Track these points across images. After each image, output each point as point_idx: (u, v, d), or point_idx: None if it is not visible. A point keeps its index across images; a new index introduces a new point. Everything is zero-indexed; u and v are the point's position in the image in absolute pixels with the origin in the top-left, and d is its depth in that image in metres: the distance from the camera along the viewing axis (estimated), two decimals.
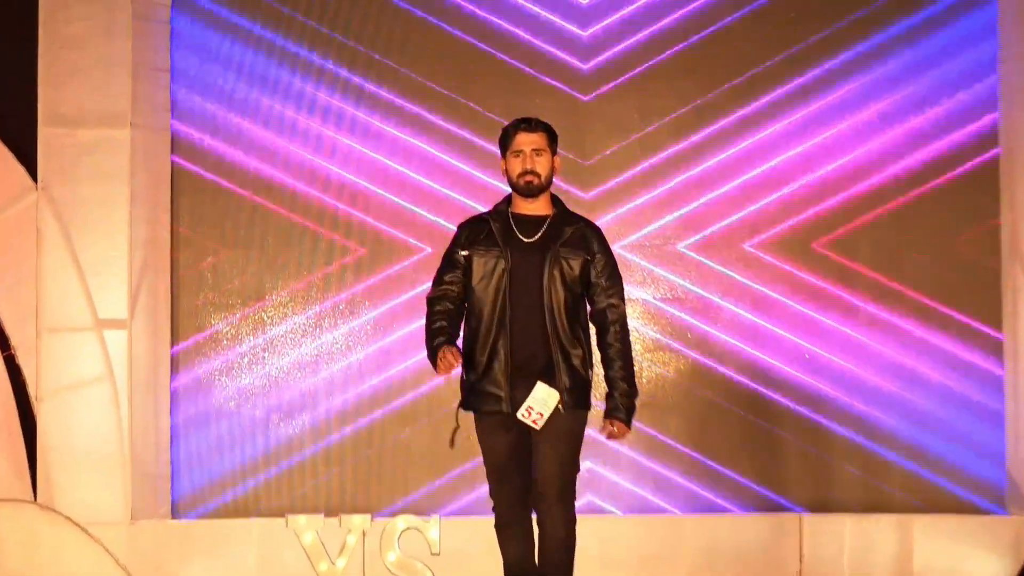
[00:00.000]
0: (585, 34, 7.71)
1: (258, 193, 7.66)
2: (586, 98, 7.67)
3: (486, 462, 5.50)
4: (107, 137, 7.30)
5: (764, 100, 7.65)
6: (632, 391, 5.46)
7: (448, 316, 5.45)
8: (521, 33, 7.64)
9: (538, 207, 5.47)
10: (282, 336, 7.63)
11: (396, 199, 7.70)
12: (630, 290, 7.19)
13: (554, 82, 7.69)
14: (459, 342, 5.52)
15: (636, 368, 6.91)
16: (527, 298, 5.35)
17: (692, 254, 7.65)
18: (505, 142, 5.48)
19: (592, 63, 7.70)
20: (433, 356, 5.38)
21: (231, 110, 7.58)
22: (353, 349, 7.66)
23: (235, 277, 7.65)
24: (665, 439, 7.61)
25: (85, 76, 7.32)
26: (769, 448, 7.55)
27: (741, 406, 7.58)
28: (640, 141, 7.61)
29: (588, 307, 5.49)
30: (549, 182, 5.47)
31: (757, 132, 7.61)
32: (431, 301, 5.48)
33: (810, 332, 7.56)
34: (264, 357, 7.64)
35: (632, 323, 7.44)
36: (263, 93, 7.60)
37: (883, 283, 7.59)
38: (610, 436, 5.43)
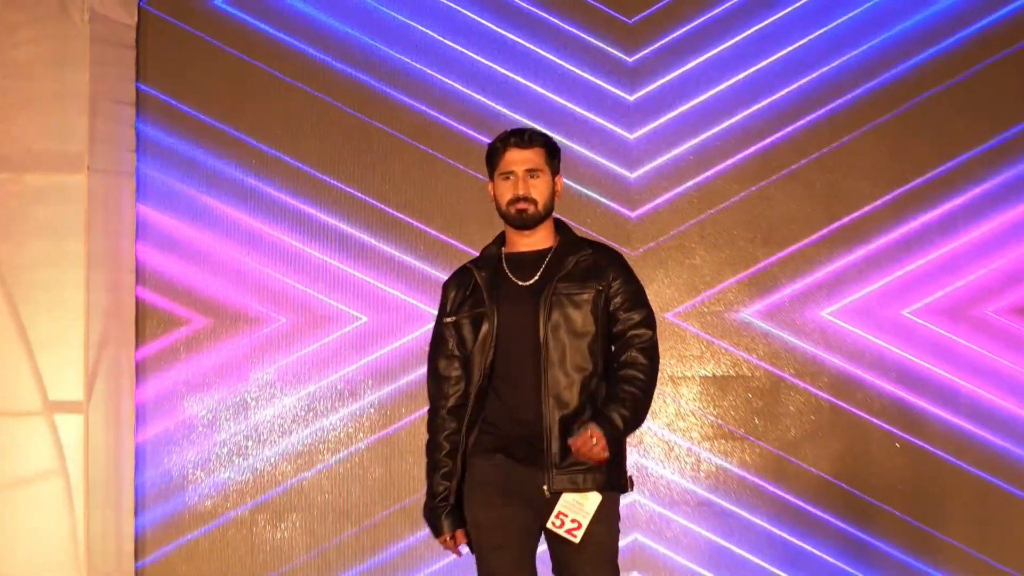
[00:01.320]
0: (631, 59, 7.14)
1: (241, 247, 7.11)
2: (633, 136, 7.11)
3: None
4: (60, 184, 6.78)
5: (847, 137, 7.05)
6: (633, 417, 4.54)
7: (452, 443, 4.70)
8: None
9: (537, 240, 4.73)
10: (268, 422, 7.06)
11: (403, 255, 7.11)
12: (682, 367, 6.85)
13: (597, 117, 7.14)
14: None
15: (692, 460, 6.70)
16: (520, 359, 4.63)
17: (759, 323, 7.01)
18: (492, 161, 4.73)
19: (639, 92, 7.11)
20: (431, 520, 4.72)
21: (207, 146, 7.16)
22: (353, 437, 7.07)
23: (213, 351, 7.11)
24: (728, 545, 6.97)
25: (33, 111, 6.82)
26: (862, 560, 6.90)
27: (825, 506, 6.94)
28: (696, 188, 7.05)
29: (611, 348, 4.71)
30: (549, 209, 4.71)
31: (839, 177, 7.03)
32: (431, 407, 4.77)
33: (904, 419, 6.94)
34: (247, 447, 7.07)
35: (688, 406, 6.90)
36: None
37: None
38: (576, 442, 4.43)
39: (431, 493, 4.71)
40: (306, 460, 7.08)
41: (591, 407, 4.57)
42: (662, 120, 7.10)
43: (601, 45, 7.12)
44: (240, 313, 7.12)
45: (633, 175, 7.09)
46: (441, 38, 7.14)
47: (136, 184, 7.07)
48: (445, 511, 4.69)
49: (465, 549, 4.69)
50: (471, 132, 7.06)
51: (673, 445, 6.94)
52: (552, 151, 4.75)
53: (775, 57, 7.08)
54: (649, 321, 4.69)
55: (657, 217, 7.09)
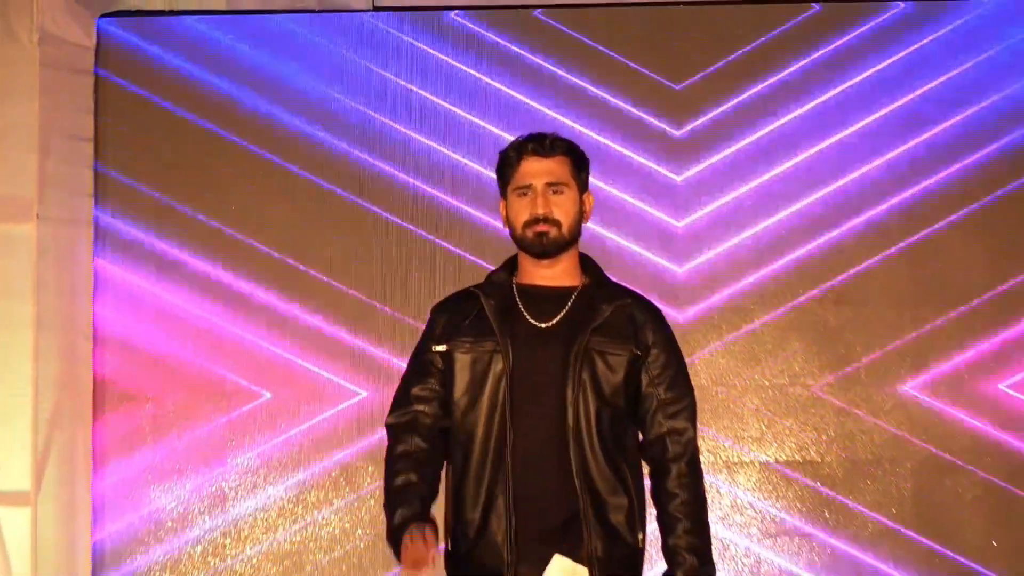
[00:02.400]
0: (678, 86, 6.85)
1: (218, 309, 6.83)
2: (680, 178, 6.77)
3: None
4: (4, 234, 6.56)
5: (932, 179, 6.68)
6: (706, 568, 4.28)
7: (418, 464, 4.28)
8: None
9: (558, 274, 4.32)
10: (250, 516, 6.72)
11: (408, 319, 6.79)
12: (739, 451, 6.57)
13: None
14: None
15: (751, 561, 6.61)
16: (539, 416, 4.22)
17: (830, 398, 6.67)
18: (505, 173, 4.32)
19: (687, 129, 6.82)
20: (395, 538, 4.20)
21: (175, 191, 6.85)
22: (351, 534, 6.73)
23: (184, 432, 6.77)
24: None
25: None
26: None
27: None
28: (754, 238, 6.73)
29: (639, 433, 4.39)
30: (575, 233, 4.31)
31: (925, 224, 6.72)
32: (391, 436, 4.33)
33: (1003, 509, 6.57)
34: (225, 546, 6.72)
35: (746, 496, 6.60)
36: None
37: None
38: None
39: (391, 518, 4.22)
40: (295, 561, 6.75)
41: (628, 496, 4.21)
42: (714, 160, 6.80)
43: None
44: (216, 387, 6.81)
45: (680, 223, 6.76)
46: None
47: (94, 234, 6.78)
48: (406, 519, 4.17)
49: (434, 554, 4.13)
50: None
51: (728, 544, 6.58)
52: (579, 162, 4.33)
53: (843, 86, 6.75)
54: (693, 410, 4.33)
55: (709, 272, 6.75)
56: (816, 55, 6.82)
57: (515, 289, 4.33)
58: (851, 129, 6.79)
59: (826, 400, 6.68)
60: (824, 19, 6.74)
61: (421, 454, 4.25)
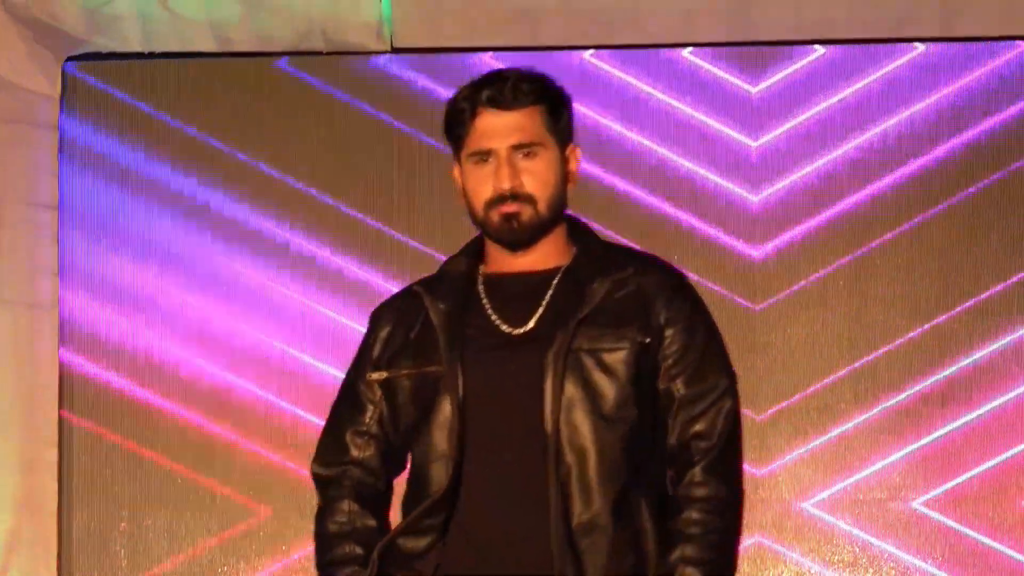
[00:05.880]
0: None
1: (208, 410, 6.26)
2: (757, 255, 6.29)
3: None
4: None
5: None
6: None
7: (353, 533, 3.45)
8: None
9: (538, 257, 3.44)
10: None
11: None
12: None
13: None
14: None
15: None
16: (502, 462, 3.37)
17: (939, 516, 6.15)
18: (456, 132, 3.42)
19: (764, 195, 6.33)
20: None
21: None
22: None
23: (166, 557, 6.16)
24: None
25: None
26: None
27: None
28: (842, 312, 6.20)
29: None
30: (558, 208, 3.41)
31: None
32: (320, 492, 3.52)
33: None
34: None
35: None
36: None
37: None
38: None
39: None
40: None
41: (639, 549, 3.29)
42: (799, 227, 6.20)
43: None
44: (205, 501, 6.20)
45: (758, 306, 6.14)
46: None
47: (59, 322, 6.20)
48: None
49: None
50: None
51: None
52: (556, 108, 3.39)
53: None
54: (732, 403, 3.43)
55: (787, 363, 6.17)
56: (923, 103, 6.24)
57: (480, 282, 3.46)
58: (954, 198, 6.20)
59: (933, 518, 6.13)
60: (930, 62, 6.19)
61: (359, 528, 3.42)
